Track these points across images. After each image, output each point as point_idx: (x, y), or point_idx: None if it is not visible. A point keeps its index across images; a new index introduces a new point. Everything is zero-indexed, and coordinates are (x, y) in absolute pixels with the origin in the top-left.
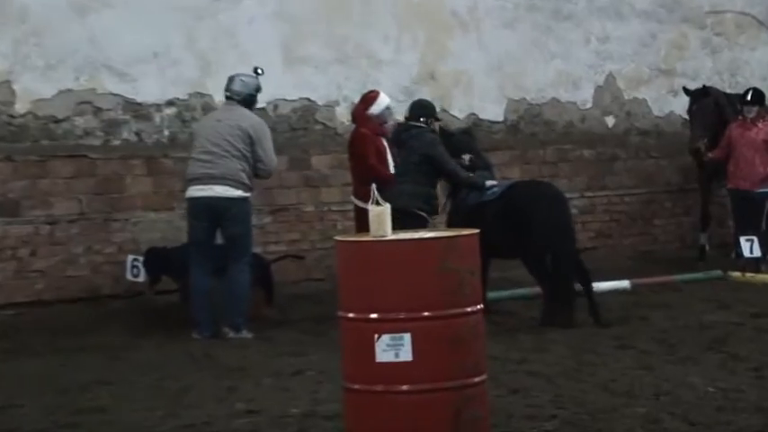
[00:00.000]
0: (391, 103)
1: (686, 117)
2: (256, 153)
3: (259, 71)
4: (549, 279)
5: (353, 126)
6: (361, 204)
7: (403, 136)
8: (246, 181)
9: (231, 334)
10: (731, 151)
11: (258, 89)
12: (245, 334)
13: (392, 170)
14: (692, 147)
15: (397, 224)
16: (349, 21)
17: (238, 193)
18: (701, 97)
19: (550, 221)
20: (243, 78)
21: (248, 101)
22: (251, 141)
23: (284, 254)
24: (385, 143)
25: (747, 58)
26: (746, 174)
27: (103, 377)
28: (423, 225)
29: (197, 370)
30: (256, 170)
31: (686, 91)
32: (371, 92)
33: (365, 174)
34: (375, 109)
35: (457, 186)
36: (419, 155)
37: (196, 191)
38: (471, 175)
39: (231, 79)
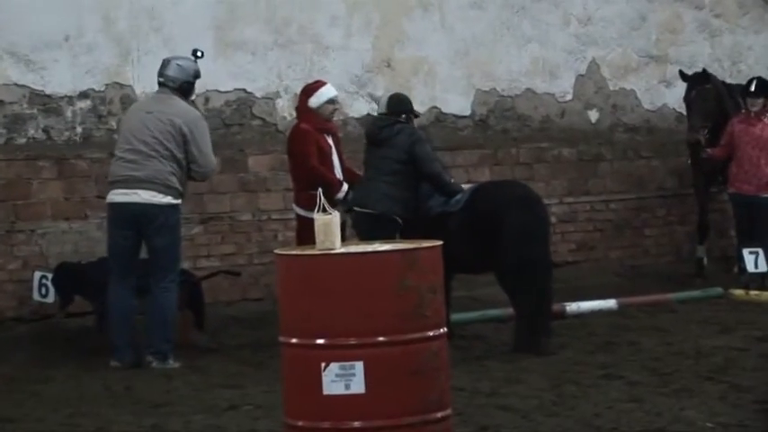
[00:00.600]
0: (338, 95)
1: (681, 111)
2: (191, 153)
3: (198, 53)
4: (522, 295)
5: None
6: (302, 213)
7: (385, 132)
8: (177, 185)
9: (155, 363)
10: (733, 150)
11: (197, 75)
12: (172, 363)
13: (339, 173)
14: (692, 138)
15: (371, 232)
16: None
17: (167, 199)
18: (701, 83)
19: (523, 226)
20: (179, 62)
21: (185, 89)
22: (184, 141)
23: (216, 270)
24: (330, 141)
25: (751, 43)
26: (751, 176)
27: (7, 414)
28: (393, 235)
29: (116, 405)
30: (190, 172)
31: (683, 76)
32: (316, 82)
33: (306, 177)
34: (314, 101)
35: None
36: (406, 153)
37: (118, 195)
38: (453, 180)
39: (166, 63)
